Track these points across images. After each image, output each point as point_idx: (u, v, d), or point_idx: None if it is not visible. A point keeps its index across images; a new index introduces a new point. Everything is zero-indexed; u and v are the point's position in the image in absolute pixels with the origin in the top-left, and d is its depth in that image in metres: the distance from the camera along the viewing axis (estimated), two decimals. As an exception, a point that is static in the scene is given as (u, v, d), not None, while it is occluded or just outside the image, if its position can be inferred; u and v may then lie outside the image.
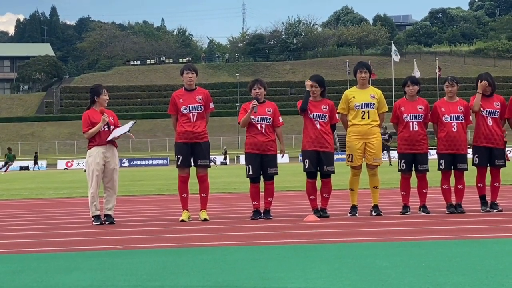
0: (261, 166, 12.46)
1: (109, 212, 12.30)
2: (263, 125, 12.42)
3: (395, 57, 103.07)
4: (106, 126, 12.26)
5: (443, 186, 12.70)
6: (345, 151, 12.93)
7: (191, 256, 8.28)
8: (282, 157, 12.56)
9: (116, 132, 12.36)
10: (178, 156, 12.44)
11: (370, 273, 6.82)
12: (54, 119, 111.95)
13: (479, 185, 12.77)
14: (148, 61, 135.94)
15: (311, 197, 12.63)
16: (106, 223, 12.21)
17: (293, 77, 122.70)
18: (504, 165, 12.79)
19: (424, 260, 7.54)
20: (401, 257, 7.78)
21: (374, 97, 12.59)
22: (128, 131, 12.54)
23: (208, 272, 7.08)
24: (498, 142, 12.69)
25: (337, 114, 12.73)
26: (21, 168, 73.98)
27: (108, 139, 12.24)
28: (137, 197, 20.44)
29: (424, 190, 12.71)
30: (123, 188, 23.22)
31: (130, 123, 12.80)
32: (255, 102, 12.35)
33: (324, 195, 12.62)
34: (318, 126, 12.43)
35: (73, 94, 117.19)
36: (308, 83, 12.48)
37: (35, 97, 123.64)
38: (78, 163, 73.81)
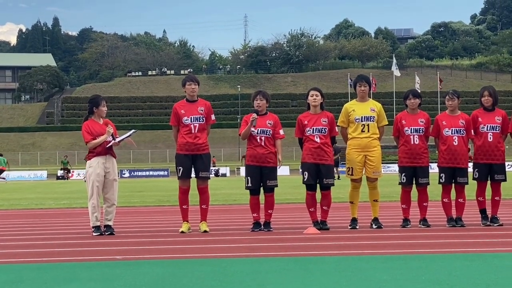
0: (261, 178, 12.46)
1: (109, 223, 12.30)
2: (263, 138, 12.42)
3: (396, 71, 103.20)
4: (111, 137, 12.30)
5: (444, 200, 12.70)
6: (344, 163, 12.93)
7: (191, 268, 8.27)
8: (278, 167, 12.60)
9: (117, 139, 12.40)
10: (179, 167, 12.44)
11: (369, 286, 6.81)
12: (55, 129, 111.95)
13: (479, 199, 12.77)
14: (150, 72, 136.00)
15: (311, 210, 12.62)
16: (106, 233, 12.20)
17: (295, 90, 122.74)
18: (505, 180, 12.79)
19: (424, 273, 7.53)
20: (401, 271, 7.76)
21: (374, 110, 12.60)
22: (128, 137, 12.58)
23: (208, 284, 7.08)
24: (499, 157, 12.69)
25: (337, 127, 12.73)
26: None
27: (108, 145, 12.24)
28: (137, 208, 20.42)
29: (424, 204, 12.70)
30: (123, 199, 23.21)
31: (130, 131, 12.85)
32: (254, 115, 12.35)
33: (324, 207, 12.61)
34: (317, 139, 12.43)
35: (75, 104, 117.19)
36: None
37: (36, 107, 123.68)
38: (78, 174, 73.66)
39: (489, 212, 12.78)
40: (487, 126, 12.64)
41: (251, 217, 12.69)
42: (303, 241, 10.90)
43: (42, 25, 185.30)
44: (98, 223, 12.25)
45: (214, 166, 79.68)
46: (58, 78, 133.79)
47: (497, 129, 12.66)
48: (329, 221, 12.73)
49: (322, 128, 12.43)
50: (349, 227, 12.52)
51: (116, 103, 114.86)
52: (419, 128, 12.61)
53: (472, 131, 12.69)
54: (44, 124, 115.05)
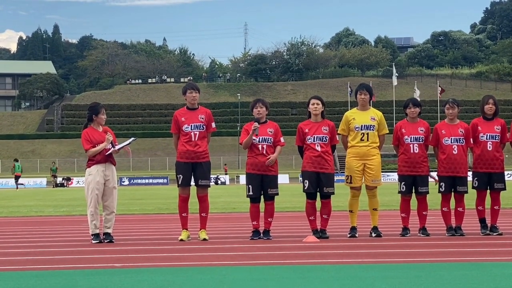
0: (262, 186, 12.46)
1: (108, 231, 12.29)
2: (264, 146, 12.42)
3: (394, 80, 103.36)
4: (110, 144, 12.31)
5: (443, 209, 12.69)
6: (343, 172, 12.92)
7: (190, 276, 8.26)
8: (267, 160, 12.44)
9: (116, 146, 12.40)
10: (179, 175, 12.43)
11: (369, 295, 6.80)
12: (55, 136, 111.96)
13: (478, 208, 12.76)
14: (150, 80, 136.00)
15: (310, 218, 12.61)
16: (105, 241, 12.19)
17: (294, 98, 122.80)
18: (504, 189, 12.79)
19: (423, 282, 7.52)
20: (400, 280, 7.76)
21: (374, 119, 12.60)
22: (127, 145, 12.58)
23: (207, 292, 7.07)
24: (498, 166, 12.70)
25: (337, 135, 12.73)
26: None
27: (108, 153, 12.25)
28: (136, 215, 20.41)
29: (424, 212, 12.69)
30: (123, 207, 23.20)
31: (130, 139, 12.85)
32: (256, 124, 12.34)
33: (323, 216, 12.60)
34: (318, 147, 12.43)
35: (74, 112, 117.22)
36: None
37: (36, 114, 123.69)
38: (78, 181, 73.60)
39: (488, 221, 12.78)
40: (487, 135, 12.65)
41: (250, 225, 12.69)
42: (302, 249, 10.89)
43: (42, 32, 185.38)
44: (97, 231, 12.24)
45: (226, 174, 79.84)
46: (58, 86, 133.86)
47: (497, 138, 12.66)
48: (329, 229, 12.72)
49: (323, 136, 12.43)
50: (349, 236, 12.50)
51: (116, 111, 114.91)
52: (419, 137, 12.61)
53: (471, 139, 12.69)
54: (44, 131, 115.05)
